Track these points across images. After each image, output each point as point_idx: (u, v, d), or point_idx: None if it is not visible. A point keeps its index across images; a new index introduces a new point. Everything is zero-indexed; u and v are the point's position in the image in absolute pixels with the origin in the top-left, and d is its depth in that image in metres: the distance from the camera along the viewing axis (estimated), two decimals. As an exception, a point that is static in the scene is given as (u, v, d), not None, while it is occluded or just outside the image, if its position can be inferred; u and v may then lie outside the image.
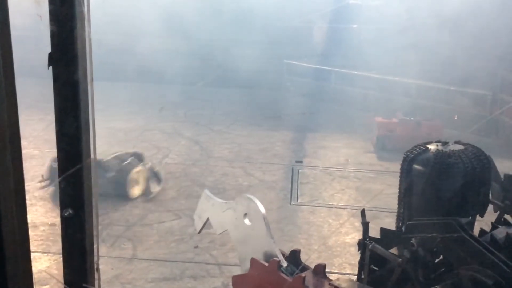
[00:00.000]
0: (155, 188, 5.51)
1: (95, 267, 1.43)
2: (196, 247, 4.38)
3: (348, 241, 4.59)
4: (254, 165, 6.50)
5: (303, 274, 2.23)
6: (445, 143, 2.24)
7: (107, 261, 4.13)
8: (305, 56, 10.06)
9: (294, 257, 2.42)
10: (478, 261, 1.93)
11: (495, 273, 1.90)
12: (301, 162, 6.69)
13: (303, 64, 10.16)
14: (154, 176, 5.63)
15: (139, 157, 5.67)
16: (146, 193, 5.42)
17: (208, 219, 2.79)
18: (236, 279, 2.55)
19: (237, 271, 4.05)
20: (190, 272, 4.00)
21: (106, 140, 7.20)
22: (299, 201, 5.45)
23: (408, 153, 2.24)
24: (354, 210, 5.20)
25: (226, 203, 2.69)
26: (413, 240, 2.09)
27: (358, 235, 4.67)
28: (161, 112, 8.66)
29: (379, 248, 2.24)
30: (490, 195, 2.30)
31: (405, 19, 8.86)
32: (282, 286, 2.24)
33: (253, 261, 2.40)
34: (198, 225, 2.87)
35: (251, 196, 2.52)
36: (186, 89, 10.36)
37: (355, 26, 9.94)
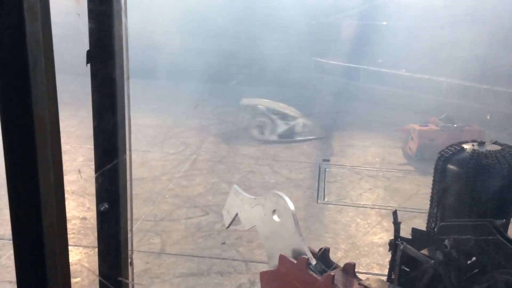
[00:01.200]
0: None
1: (129, 261, 1.46)
2: (223, 243, 4.41)
3: (376, 241, 4.55)
4: (280, 163, 6.50)
5: (332, 273, 2.22)
6: (481, 143, 2.19)
7: (136, 255, 4.19)
8: (334, 54, 9.98)
9: (323, 255, 2.41)
10: None
11: None
12: (328, 160, 6.66)
13: (331, 62, 10.09)
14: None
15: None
16: None
17: (236, 214, 2.81)
18: (264, 275, 2.56)
19: (264, 268, 4.06)
20: (217, 268, 4.03)
21: (135, 137, 7.32)
22: (326, 199, 5.43)
23: (443, 153, 2.20)
24: (383, 210, 5.14)
25: (255, 199, 2.69)
26: (446, 242, 2.06)
27: (386, 235, 4.63)
28: (189, 110, 8.74)
29: (411, 249, 2.21)
30: None
31: (436, 16, 8.70)
32: (311, 284, 2.23)
33: (282, 257, 2.40)
34: (227, 220, 2.90)
35: (280, 193, 2.52)
36: (214, 87, 10.42)
37: (385, 23, 9.81)
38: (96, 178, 1.38)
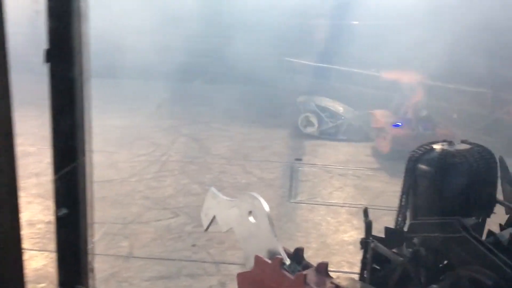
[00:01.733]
0: None
1: (90, 267, 1.41)
2: (194, 245, 4.35)
3: (346, 239, 4.58)
4: (252, 163, 6.48)
5: (304, 272, 2.24)
6: (451, 143, 2.21)
7: (104, 259, 4.10)
8: (305, 53, 10.02)
9: (297, 255, 2.43)
10: (479, 261, 1.91)
11: (496, 274, 1.87)
12: (300, 160, 6.67)
13: (303, 62, 10.12)
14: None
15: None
16: None
17: (214, 216, 2.79)
18: (241, 276, 2.56)
19: (235, 268, 4.04)
20: (187, 270, 3.98)
21: (102, 137, 7.17)
22: (298, 199, 5.43)
23: (413, 153, 2.21)
24: (353, 208, 5.18)
25: (231, 200, 2.69)
26: (415, 240, 2.07)
27: (356, 233, 4.66)
28: (159, 109, 8.65)
29: (381, 247, 2.22)
30: (502, 196, 2.26)
31: (405, 15, 8.83)
32: (285, 284, 2.25)
33: (257, 258, 2.42)
34: (205, 222, 2.87)
35: (256, 194, 2.52)
36: (184, 86, 10.33)
37: (356, 22, 9.90)
38: (54, 182, 1.33)
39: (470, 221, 2.08)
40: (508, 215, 2.30)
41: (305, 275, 2.21)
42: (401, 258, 2.13)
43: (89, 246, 1.51)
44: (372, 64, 8.80)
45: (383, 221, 4.98)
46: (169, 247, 4.33)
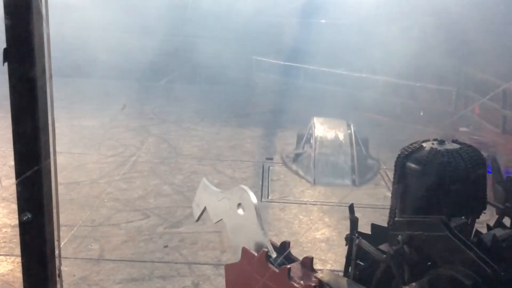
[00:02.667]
0: None
1: (57, 272, 1.36)
2: (166, 246, 4.30)
3: (318, 237, 4.61)
4: (224, 163, 6.45)
5: (288, 266, 2.26)
6: (441, 142, 2.20)
7: (74, 263, 4.01)
8: (273, 52, 10.04)
9: (283, 249, 2.46)
10: (460, 260, 1.92)
11: (477, 274, 1.88)
12: (271, 159, 6.67)
13: (271, 61, 10.14)
14: None
15: None
16: None
17: (205, 208, 2.82)
18: (228, 268, 2.61)
19: (208, 269, 4.02)
20: (159, 272, 3.93)
21: (70, 138, 7.02)
22: (269, 198, 5.44)
23: (403, 150, 2.21)
24: (324, 206, 5.22)
25: (221, 192, 2.72)
26: (399, 237, 2.07)
27: (328, 231, 4.70)
28: (125, 109, 8.50)
29: (365, 244, 2.23)
30: (494, 197, 2.26)
31: (374, 15, 8.95)
32: (270, 276, 2.29)
33: (244, 250, 2.46)
34: (196, 213, 2.90)
35: (245, 187, 2.55)
36: (154, 85, 10.20)
37: (323, 21, 9.99)
38: (16, 187, 1.28)
39: (458, 220, 2.08)
40: (498, 216, 2.29)
41: (289, 269, 2.24)
42: (384, 255, 2.13)
43: (56, 251, 1.47)
44: (339, 62, 8.90)
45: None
46: (141, 248, 4.27)
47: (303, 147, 6.43)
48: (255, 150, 7.06)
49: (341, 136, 6.20)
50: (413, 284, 2.07)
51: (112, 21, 9.65)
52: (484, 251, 1.93)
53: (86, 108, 8.49)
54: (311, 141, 6.26)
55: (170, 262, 4.07)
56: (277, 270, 2.28)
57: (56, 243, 1.41)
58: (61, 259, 3.99)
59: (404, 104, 8.03)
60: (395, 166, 2.21)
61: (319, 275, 2.23)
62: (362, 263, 2.30)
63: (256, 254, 2.39)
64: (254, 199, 2.50)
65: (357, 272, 2.30)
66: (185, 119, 8.28)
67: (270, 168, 6.31)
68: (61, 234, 4.38)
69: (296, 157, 6.38)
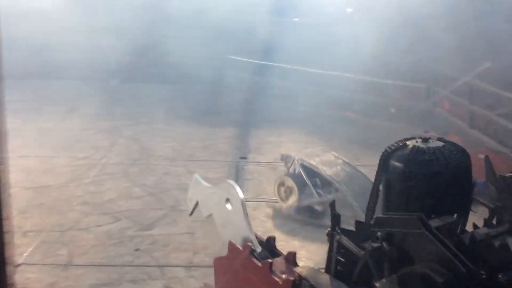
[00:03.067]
0: None
1: (9, 282, 1.29)
2: (137, 249, 4.22)
3: (291, 235, 4.59)
4: (197, 163, 6.38)
5: (271, 260, 2.34)
6: (425, 140, 2.18)
7: (41, 269, 3.91)
8: (250, 51, 10.01)
9: (269, 243, 2.55)
10: (436, 259, 1.91)
11: (451, 272, 1.86)
12: (245, 158, 6.64)
13: (246, 60, 10.11)
14: None
15: None
16: None
17: (197, 202, 2.91)
18: (217, 261, 2.73)
19: (180, 271, 3.96)
20: (130, 276, 3.85)
21: (38, 141, 6.85)
22: (243, 197, 5.39)
23: (386, 148, 2.20)
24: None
25: (211, 187, 2.82)
26: (378, 234, 2.07)
27: (303, 229, 4.69)
28: (97, 110, 8.35)
29: (346, 240, 2.23)
30: (487, 196, 2.24)
31: (345, 12, 9.02)
32: (253, 270, 2.38)
33: (230, 244, 2.56)
34: (189, 207, 3.00)
35: (232, 182, 2.64)
36: (124, 86, 10.05)
37: (296, 19, 10.01)
38: (-38, 191, 1.21)
39: (448, 219, 2.06)
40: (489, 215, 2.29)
41: (271, 263, 2.32)
42: (363, 252, 2.14)
43: (10, 259, 1.40)
44: (313, 61, 8.93)
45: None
46: (111, 253, 4.18)
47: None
48: (229, 149, 7.01)
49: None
50: (383, 280, 2.07)
51: (82, 22, 9.47)
52: (462, 250, 1.92)
53: (55, 109, 8.30)
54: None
55: (141, 266, 4.00)
56: (259, 264, 2.36)
57: (10, 250, 1.33)
58: (28, 266, 3.89)
59: (376, 101, 8.11)
60: (378, 163, 2.21)
61: (299, 269, 2.27)
62: (343, 260, 2.30)
63: (241, 248, 2.48)
64: (241, 194, 2.59)
65: (338, 268, 2.30)
66: (157, 120, 8.18)
67: (244, 167, 6.27)
68: (29, 240, 4.29)
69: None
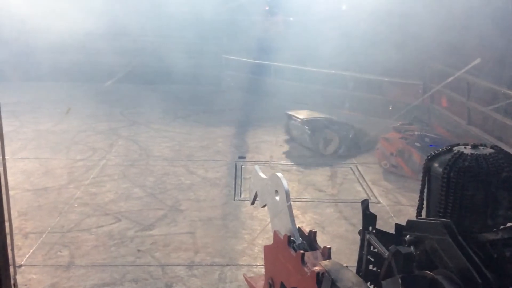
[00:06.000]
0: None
1: (12, 282, 1.30)
2: (139, 250, 4.23)
3: (291, 234, 4.60)
4: (196, 163, 6.39)
5: (302, 251, 2.52)
6: (475, 146, 2.14)
7: (43, 270, 3.91)
8: (244, 51, 10.01)
9: (310, 237, 2.73)
10: (456, 267, 1.92)
11: (466, 281, 1.87)
12: (244, 157, 6.65)
13: (241, 59, 10.12)
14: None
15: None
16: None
17: (256, 192, 3.07)
18: (266, 248, 2.95)
19: (181, 270, 3.97)
20: (131, 275, 3.86)
21: (36, 143, 6.84)
22: (242, 196, 5.41)
23: (431, 152, 2.20)
24: (297, 202, 5.23)
25: (265, 179, 2.94)
26: (407, 237, 2.09)
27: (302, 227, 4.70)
28: (94, 111, 8.34)
29: (375, 241, 2.27)
30: None
31: (342, 12, 9.02)
32: (289, 258, 2.60)
33: (275, 234, 2.77)
34: (251, 198, 3.20)
35: (279, 175, 2.78)
36: (122, 87, 10.04)
37: (291, 19, 10.02)
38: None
39: (507, 233, 1.99)
40: None
41: (303, 254, 2.50)
42: (387, 254, 2.14)
43: (12, 260, 1.41)
44: (306, 59, 8.94)
45: (326, 213, 5.08)
46: (112, 253, 4.19)
47: None
48: (227, 149, 7.02)
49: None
50: (389, 279, 2.08)
51: (76, 24, 9.45)
52: (486, 260, 1.91)
53: (53, 112, 8.29)
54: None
55: (142, 265, 4.00)
56: (294, 254, 2.56)
57: (10, 251, 1.35)
58: (30, 267, 3.89)
59: (374, 99, 8.12)
60: (423, 167, 2.20)
61: (324, 263, 2.38)
62: (372, 259, 2.35)
63: (281, 238, 2.66)
64: (286, 186, 2.73)
65: (368, 268, 2.36)
66: (155, 120, 8.19)
67: (243, 166, 6.29)
68: (30, 241, 4.30)
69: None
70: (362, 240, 2.36)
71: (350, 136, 6.77)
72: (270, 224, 2.96)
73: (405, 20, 6.95)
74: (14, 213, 4.82)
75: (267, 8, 10.58)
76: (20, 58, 10.00)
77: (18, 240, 4.25)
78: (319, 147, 6.72)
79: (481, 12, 5.92)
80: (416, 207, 2.27)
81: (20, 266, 3.89)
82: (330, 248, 2.57)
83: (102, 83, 9.91)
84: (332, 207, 5.18)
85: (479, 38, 6.02)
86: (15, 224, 4.59)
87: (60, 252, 4.19)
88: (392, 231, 2.35)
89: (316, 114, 7.05)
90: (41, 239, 4.37)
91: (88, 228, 4.60)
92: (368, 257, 2.36)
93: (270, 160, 6.55)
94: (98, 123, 7.90)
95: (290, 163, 6.52)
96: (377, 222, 2.42)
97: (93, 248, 4.25)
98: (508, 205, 2.04)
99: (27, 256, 4.09)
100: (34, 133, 7.25)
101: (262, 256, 2.89)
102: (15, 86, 9.95)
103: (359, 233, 2.41)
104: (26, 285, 3.66)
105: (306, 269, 2.45)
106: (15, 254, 3.70)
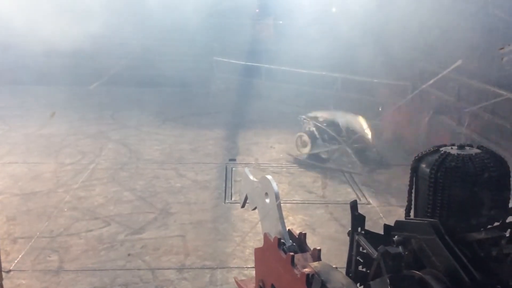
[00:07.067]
0: None
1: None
2: (129, 255, 4.21)
3: (282, 236, 4.60)
4: (186, 166, 6.38)
5: (292, 253, 2.50)
6: (461, 147, 2.12)
7: (32, 275, 3.88)
8: (236, 53, 10.02)
9: (300, 239, 2.72)
10: (444, 266, 1.92)
11: (454, 281, 1.87)
12: (234, 160, 6.65)
13: (232, 61, 10.12)
14: None
15: None
16: None
17: (246, 195, 3.04)
18: (256, 251, 2.96)
19: (171, 273, 3.96)
20: (122, 280, 3.84)
21: (25, 147, 6.79)
22: (233, 199, 5.41)
23: (419, 153, 2.18)
24: (288, 204, 5.24)
25: (255, 181, 2.92)
26: (395, 238, 2.08)
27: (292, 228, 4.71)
28: (83, 114, 8.29)
29: (364, 242, 2.27)
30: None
31: (331, 14, 9.07)
32: (278, 261, 2.61)
33: (265, 236, 2.77)
34: (241, 201, 3.16)
35: (269, 177, 2.76)
36: (112, 90, 9.99)
37: (281, 22, 10.05)
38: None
39: (494, 232, 1.99)
40: None
41: (292, 256, 2.48)
42: (376, 254, 2.14)
43: (0, 266, 1.40)
44: (299, 62, 8.97)
45: (317, 214, 5.09)
46: (102, 257, 4.16)
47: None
48: (218, 151, 7.02)
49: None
50: (377, 280, 2.09)
51: (65, 27, 9.40)
52: (473, 260, 1.91)
53: (42, 116, 8.24)
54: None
55: (132, 269, 3.99)
56: (284, 256, 2.55)
57: None
58: (19, 272, 3.86)
59: (363, 99, 8.16)
60: (410, 167, 2.19)
61: (314, 264, 2.38)
62: (361, 260, 2.34)
63: (271, 240, 2.66)
64: (276, 189, 2.71)
65: (357, 269, 2.35)
66: (145, 123, 8.16)
67: (233, 169, 6.28)
68: (19, 246, 4.26)
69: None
70: (351, 241, 2.36)
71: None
72: (260, 226, 2.98)
73: (392, 21, 7.00)
74: (2, 218, 4.80)
75: (257, 11, 10.62)
76: (8, 61, 9.92)
77: (6, 245, 4.21)
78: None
79: (467, 11, 5.98)
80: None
81: (9, 271, 3.86)
82: (320, 250, 2.56)
83: (90, 86, 9.85)
84: (322, 208, 5.19)
85: (466, 37, 6.07)
86: (3, 229, 4.56)
87: (49, 257, 4.16)
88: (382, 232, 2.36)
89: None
90: (30, 244, 4.34)
91: (78, 232, 4.57)
92: (358, 258, 2.36)
93: (255, 163, 6.55)
94: (88, 127, 7.86)
95: (281, 165, 6.53)
96: (367, 223, 2.43)
97: (83, 253, 4.22)
98: (491, 205, 2.04)
99: (15, 261, 4.06)
100: (23, 137, 7.19)
101: (253, 258, 2.89)
102: (3, 90, 9.87)
103: (348, 234, 2.42)
104: (15, 290, 3.64)
105: (296, 271, 2.45)
106: (4, 260, 3.68)
